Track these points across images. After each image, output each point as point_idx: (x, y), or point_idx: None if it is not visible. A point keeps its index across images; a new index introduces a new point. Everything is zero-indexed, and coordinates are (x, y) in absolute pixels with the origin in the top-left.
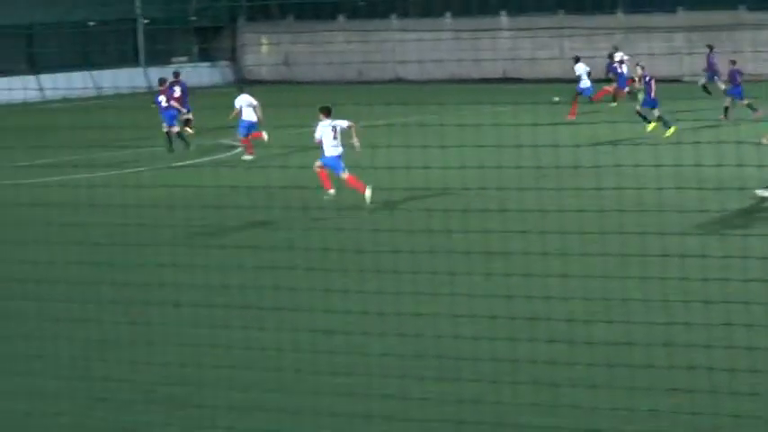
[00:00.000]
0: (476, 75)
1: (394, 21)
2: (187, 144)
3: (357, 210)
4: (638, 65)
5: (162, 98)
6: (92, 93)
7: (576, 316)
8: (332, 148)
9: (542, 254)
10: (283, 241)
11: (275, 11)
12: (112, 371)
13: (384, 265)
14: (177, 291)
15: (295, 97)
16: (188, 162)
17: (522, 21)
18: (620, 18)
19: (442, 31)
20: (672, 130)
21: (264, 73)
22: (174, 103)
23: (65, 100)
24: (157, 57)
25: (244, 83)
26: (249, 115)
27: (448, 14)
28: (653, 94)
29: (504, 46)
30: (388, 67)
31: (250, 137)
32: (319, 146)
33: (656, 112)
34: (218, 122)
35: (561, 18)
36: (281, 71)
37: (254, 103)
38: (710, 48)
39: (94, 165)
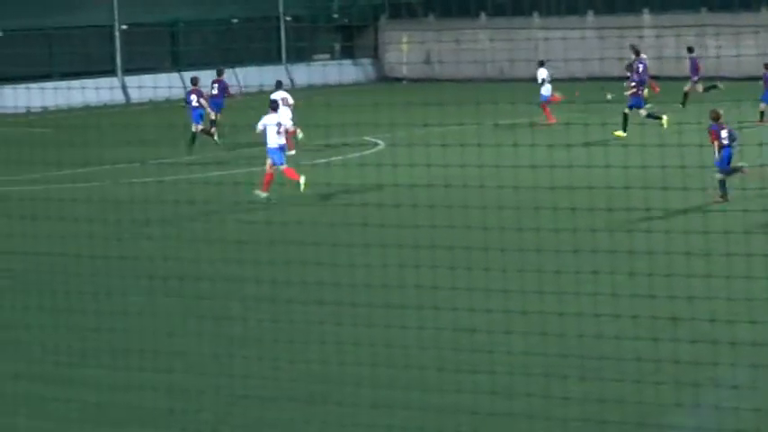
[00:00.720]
0: (617, 72)
1: (536, 19)
2: (192, 145)
3: (501, 209)
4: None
5: (193, 97)
6: (235, 90)
7: (719, 316)
8: (275, 138)
9: (685, 253)
10: (426, 240)
11: (417, 9)
12: (254, 368)
13: (528, 264)
14: (320, 289)
15: (435, 95)
16: (322, 160)
17: (666, 18)
18: (766, 15)
19: (585, 29)
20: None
21: (405, 71)
22: (203, 102)
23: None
24: (300, 54)
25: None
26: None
27: (590, 12)
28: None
29: (648, 44)
30: (532, 65)
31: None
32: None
33: (643, 112)
34: (356, 119)
35: (703, 16)
36: (422, 69)
37: (291, 101)
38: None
39: (237, 162)
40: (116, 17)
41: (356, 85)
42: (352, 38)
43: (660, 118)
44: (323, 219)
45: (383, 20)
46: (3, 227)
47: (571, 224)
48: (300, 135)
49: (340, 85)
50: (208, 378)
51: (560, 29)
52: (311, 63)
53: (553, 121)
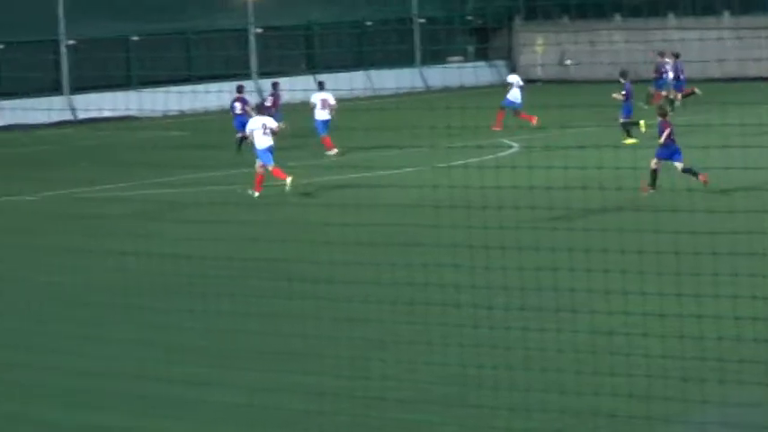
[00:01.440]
0: (754, 72)
1: (672, 19)
2: (239, 150)
3: (637, 211)
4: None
5: (237, 105)
6: (369, 93)
7: None
8: (261, 139)
9: None
10: (563, 242)
11: (552, 10)
12: (391, 370)
13: (665, 267)
14: (457, 291)
15: (570, 97)
16: (459, 162)
17: None
18: None
19: (722, 29)
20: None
21: (540, 72)
22: (247, 109)
23: (342, 99)
24: (433, 56)
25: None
26: (322, 115)
27: (726, 13)
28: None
29: None
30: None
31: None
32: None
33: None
34: (490, 122)
35: None
36: (557, 70)
37: (332, 102)
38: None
39: (372, 165)
40: (251, 20)
41: (490, 86)
42: (486, 40)
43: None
44: (459, 221)
45: (518, 21)
46: (152, 228)
47: (708, 227)
48: (284, 125)
49: (474, 88)
50: (344, 380)
51: (696, 29)
52: (445, 65)
53: (534, 120)
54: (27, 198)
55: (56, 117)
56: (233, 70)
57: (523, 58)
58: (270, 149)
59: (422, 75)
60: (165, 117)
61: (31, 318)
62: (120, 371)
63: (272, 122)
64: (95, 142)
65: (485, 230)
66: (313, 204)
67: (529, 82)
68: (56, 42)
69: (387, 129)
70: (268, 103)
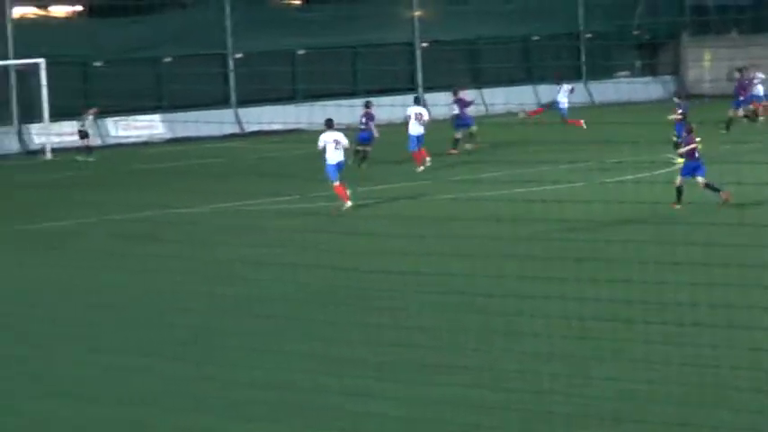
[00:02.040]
0: None
1: None
2: (360, 162)
3: None
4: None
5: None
6: (534, 107)
7: None
8: (334, 155)
9: None
10: (719, 258)
11: (720, 25)
12: (559, 385)
13: None
14: (628, 307)
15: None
16: (629, 176)
17: None
18: None
19: None
20: None
21: (707, 88)
22: (371, 125)
23: (508, 114)
24: (599, 71)
25: (687, 97)
26: (415, 129)
27: None
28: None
29: None
30: None
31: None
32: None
33: None
34: (660, 137)
35: None
36: (725, 86)
37: (426, 117)
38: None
39: (542, 179)
40: (417, 35)
41: (658, 102)
42: (653, 55)
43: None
44: (637, 236)
45: (685, 37)
46: (318, 240)
47: None
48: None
49: (641, 103)
50: (510, 394)
51: None
52: (611, 80)
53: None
54: (196, 210)
55: (224, 130)
56: (398, 84)
57: (691, 73)
58: (339, 165)
59: (588, 89)
60: None
61: (205, 330)
62: (290, 383)
63: (343, 138)
64: (262, 155)
65: (659, 245)
66: (482, 218)
67: (694, 97)
68: (224, 56)
69: (553, 142)
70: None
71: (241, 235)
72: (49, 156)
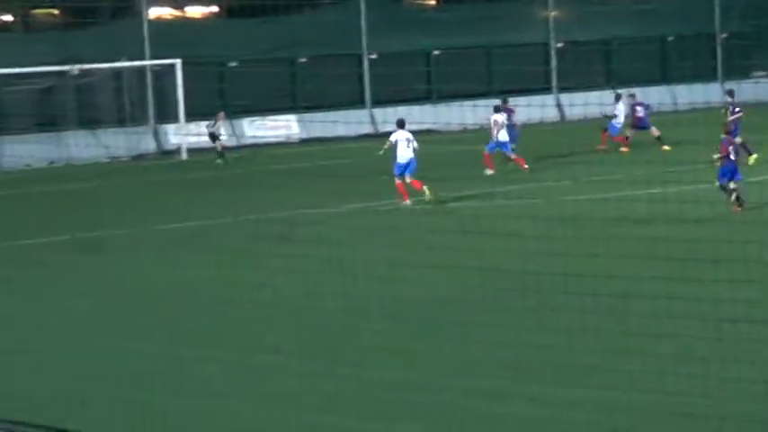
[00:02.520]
0: None
1: None
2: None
3: None
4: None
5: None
6: (669, 107)
7: None
8: (404, 153)
9: None
10: None
11: None
12: (692, 385)
13: None
14: (749, 307)
15: None
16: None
17: None
18: None
19: None
20: None
21: None
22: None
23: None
24: (736, 71)
25: None
26: (503, 135)
27: None
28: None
29: None
30: None
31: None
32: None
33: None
34: None
35: None
36: None
37: (498, 120)
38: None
39: (668, 180)
40: (551, 35)
41: None
42: None
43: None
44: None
45: None
46: (451, 241)
47: None
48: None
49: None
50: (643, 395)
51: None
52: (749, 80)
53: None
54: (331, 210)
55: (358, 130)
56: (532, 84)
57: None
58: (408, 164)
59: (723, 89)
60: (465, 131)
61: (338, 329)
62: (420, 383)
63: (414, 140)
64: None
65: None
66: (618, 219)
67: None
68: (358, 57)
69: (686, 143)
70: (639, 114)
71: (375, 235)
72: (184, 156)
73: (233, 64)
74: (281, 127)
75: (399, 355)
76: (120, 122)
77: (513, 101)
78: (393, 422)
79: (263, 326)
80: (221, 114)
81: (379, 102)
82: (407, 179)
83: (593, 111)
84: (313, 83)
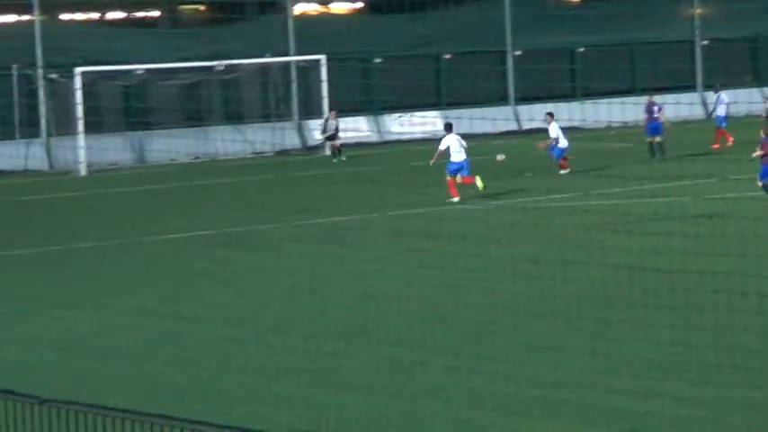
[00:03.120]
0: None
1: None
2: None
3: None
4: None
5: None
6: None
7: None
8: (457, 155)
9: None
10: None
11: None
12: None
13: None
14: None
15: None
16: None
17: None
18: None
19: None
20: None
21: None
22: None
23: None
24: None
25: None
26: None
27: None
28: None
29: None
30: None
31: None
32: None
33: None
34: None
35: None
36: None
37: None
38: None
39: None
40: (696, 32)
41: None
42: None
43: None
44: None
45: None
46: (597, 238)
47: None
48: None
49: None
50: None
51: None
52: None
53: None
54: (475, 207)
55: (501, 127)
56: (677, 82)
57: None
58: (460, 165)
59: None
60: (608, 128)
61: (481, 325)
62: (564, 380)
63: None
64: (540, 153)
65: None
66: (763, 218)
67: None
68: (503, 53)
69: None
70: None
71: (521, 232)
72: (328, 152)
73: (377, 60)
74: (425, 123)
75: (544, 353)
76: (265, 118)
77: (658, 98)
78: (537, 420)
79: (408, 321)
80: (332, 114)
81: (522, 99)
82: (458, 179)
83: (740, 109)
84: (457, 79)
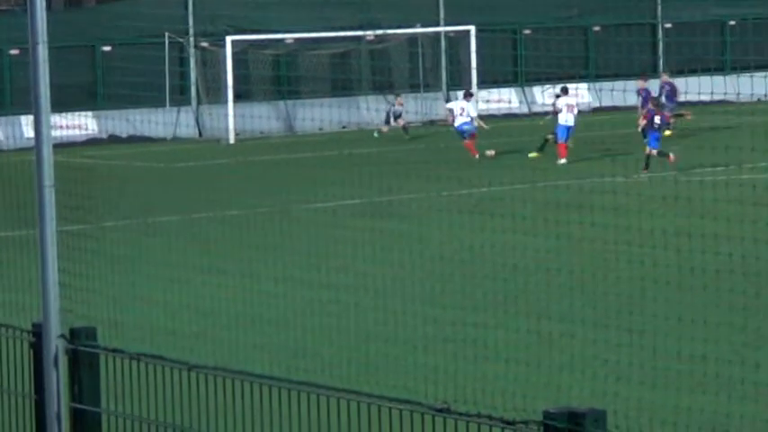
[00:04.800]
0: None
1: None
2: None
3: None
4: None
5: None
6: None
7: None
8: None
9: None
10: None
11: None
12: None
13: None
14: None
15: None
16: None
17: None
18: None
19: None
20: None
21: None
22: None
23: None
24: None
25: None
26: (566, 119)
27: None
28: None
29: None
30: None
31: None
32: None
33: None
34: None
35: None
36: None
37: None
38: None
39: None
40: None
41: None
42: None
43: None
44: None
45: None
46: (748, 212)
47: None
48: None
49: None
50: None
51: None
52: None
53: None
54: (620, 179)
55: None
56: None
57: None
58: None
59: None
60: (758, 102)
61: (629, 298)
62: (710, 354)
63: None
64: (686, 125)
65: None
66: None
67: None
68: (653, 26)
69: None
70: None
71: (671, 205)
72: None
73: (527, 31)
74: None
75: (691, 326)
76: (413, 88)
77: None
78: (684, 394)
79: (554, 293)
80: (399, 99)
81: (672, 71)
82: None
83: None
84: (606, 51)
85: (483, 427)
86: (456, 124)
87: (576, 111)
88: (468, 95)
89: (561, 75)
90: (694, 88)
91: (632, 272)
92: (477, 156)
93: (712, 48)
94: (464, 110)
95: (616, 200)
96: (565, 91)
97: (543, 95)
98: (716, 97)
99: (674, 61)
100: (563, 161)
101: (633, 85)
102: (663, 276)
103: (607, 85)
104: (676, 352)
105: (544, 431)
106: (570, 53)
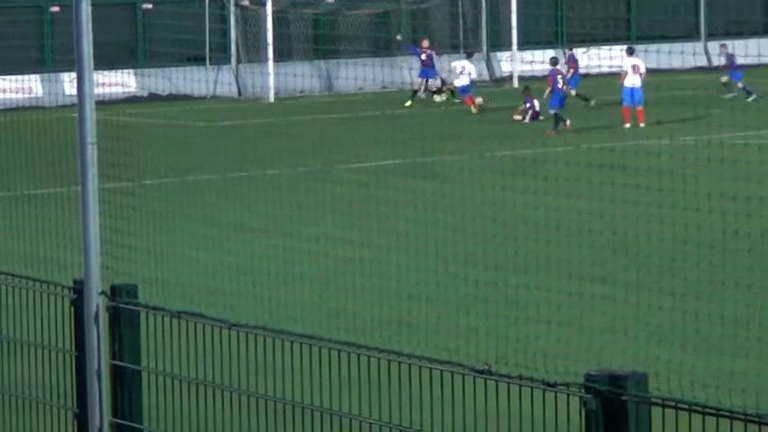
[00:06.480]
0: None
1: None
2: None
3: None
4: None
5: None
6: None
7: None
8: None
9: None
10: None
11: None
12: None
13: None
14: None
15: None
16: None
17: None
18: None
19: None
20: None
21: None
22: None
23: None
24: None
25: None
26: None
27: None
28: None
29: None
30: None
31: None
32: None
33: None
34: None
35: None
36: None
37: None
38: None
39: None
40: None
41: None
42: None
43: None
44: None
45: None
46: None
47: None
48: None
49: None
50: None
51: None
52: None
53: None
54: (663, 142)
55: (692, 62)
56: None
57: None
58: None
59: None
60: None
61: (668, 261)
62: (747, 318)
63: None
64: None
65: None
66: None
67: None
68: None
69: None
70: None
71: (713, 167)
72: (515, 84)
73: None
74: (614, 57)
75: (734, 290)
76: (454, 48)
77: None
78: (725, 357)
79: (594, 255)
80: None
81: (713, 34)
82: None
83: None
84: (648, 13)
85: (524, 389)
86: (456, 83)
87: (642, 70)
88: (469, 55)
89: (603, 36)
90: (736, 51)
91: (675, 235)
92: (476, 111)
93: (755, 10)
94: (464, 68)
95: (660, 162)
96: (630, 51)
97: (585, 56)
98: (763, 60)
99: (716, 24)
100: (631, 125)
101: (671, 47)
102: (706, 240)
103: (648, 47)
104: (719, 315)
105: (586, 393)
106: (611, 14)
